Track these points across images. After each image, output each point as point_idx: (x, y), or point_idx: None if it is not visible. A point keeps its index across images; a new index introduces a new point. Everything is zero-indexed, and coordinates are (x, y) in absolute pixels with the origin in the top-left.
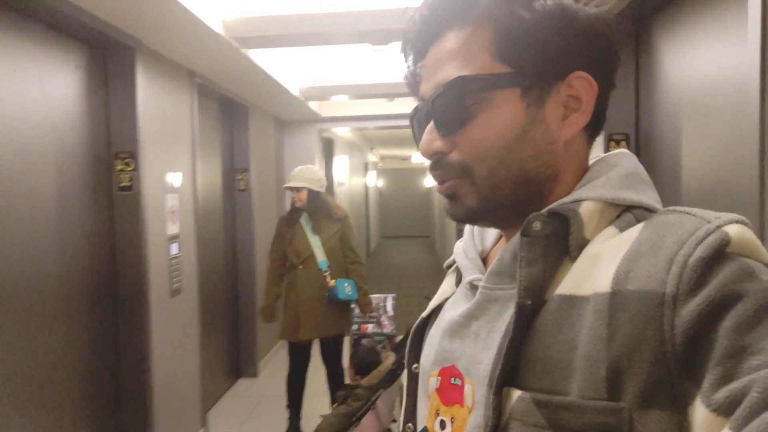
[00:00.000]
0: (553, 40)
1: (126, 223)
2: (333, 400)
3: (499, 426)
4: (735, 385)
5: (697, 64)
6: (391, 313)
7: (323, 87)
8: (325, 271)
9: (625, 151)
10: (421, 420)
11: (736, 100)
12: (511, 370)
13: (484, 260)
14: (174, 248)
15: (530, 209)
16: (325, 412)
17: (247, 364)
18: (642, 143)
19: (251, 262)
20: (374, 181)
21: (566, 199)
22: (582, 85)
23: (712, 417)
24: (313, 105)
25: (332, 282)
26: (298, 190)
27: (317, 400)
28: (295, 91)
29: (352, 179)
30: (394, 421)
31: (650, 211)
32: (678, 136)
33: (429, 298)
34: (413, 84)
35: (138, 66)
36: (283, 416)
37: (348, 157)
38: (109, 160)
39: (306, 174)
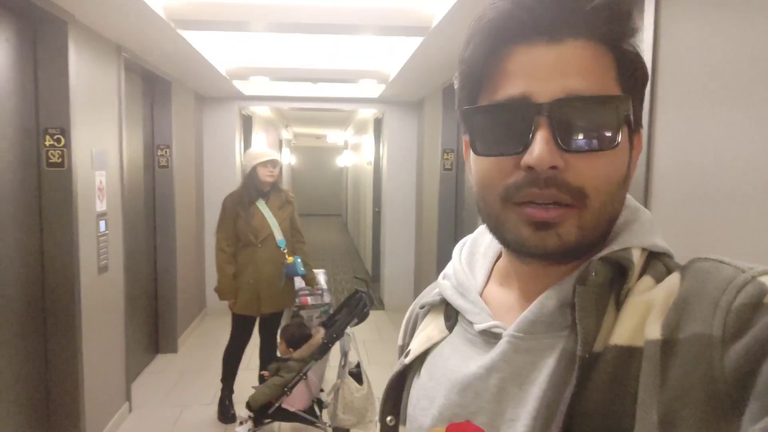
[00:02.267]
0: (639, 66)
1: (55, 200)
2: (262, 373)
3: None
4: None
5: None
6: (325, 286)
7: (250, 68)
8: (284, 249)
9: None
10: None
11: None
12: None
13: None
14: (102, 225)
15: (598, 247)
16: (255, 384)
17: (167, 340)
18: None
19: (171, 239)
20: (287, 158)
21: (615, 247)
22: (638, 140)
23: None
24: (237, 84)
25: (290, 259)
26: (273, 165)
27: (246, 375)
28: (223, 70)
29: None
30: (322, 390)
31: (668, 256)
32: None
33: (358, 278)
34: (469, 73)
35: (70, 40)
36: (204, 390)
37: (265, 134)
38: (38, 135)
39: (275, 151)
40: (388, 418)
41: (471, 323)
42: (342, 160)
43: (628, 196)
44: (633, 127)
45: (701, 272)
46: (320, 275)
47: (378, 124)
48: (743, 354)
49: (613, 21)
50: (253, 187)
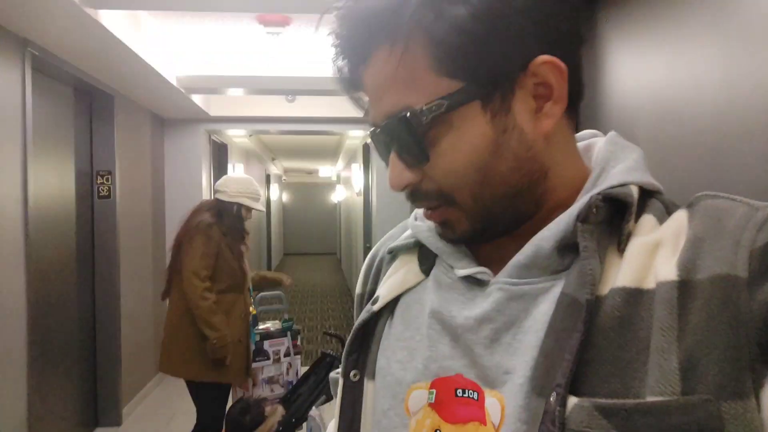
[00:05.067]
0: (499, 31)
1: None
2: None
3: None
4: None
5: None
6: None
7: (206, 77)
8: (251, 297)
9: (613, 132)
10: None
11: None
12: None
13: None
14: None
15: (527, 215)
16: None
17: (108, 409)
18: None
19: (112, 283)
20: (277, 194)
21: (613, 182)
22: (548, 69)
23: None
24: (198, 101)
25: (253, 310)
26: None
27: None
28: (171, 77)
29: None
30: None
31: (662, 194)
32: None
33: (330, 334)
34: (357, 104)
35: None
36: None
37: (244, 166)
38: None
39: (260, 190)
40: (352, 373)
41: (451, 267)
42: (335, 196)
43: (614, 135)
44: (494, 93)
45: (714, 209)
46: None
47: (367, 150)
48: None
49: (396, 12)
50: (239, 220)
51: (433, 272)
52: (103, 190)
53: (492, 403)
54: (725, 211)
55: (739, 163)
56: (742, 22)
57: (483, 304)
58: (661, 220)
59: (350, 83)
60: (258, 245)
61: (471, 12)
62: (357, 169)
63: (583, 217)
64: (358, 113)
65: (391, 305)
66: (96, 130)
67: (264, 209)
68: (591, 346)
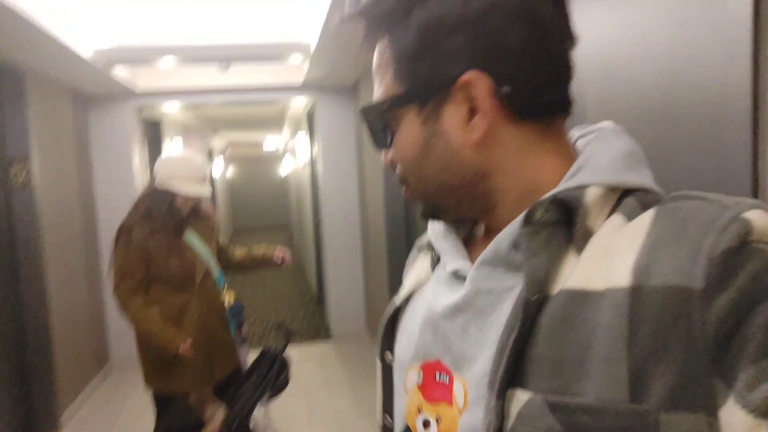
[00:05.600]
0: (432, 48)
1: None
2: None
3: (503, 430)
4: None
5: None
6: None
7: (127, 48)
8: (222, 288)
9: (616, 125)
10: (399, 414)
11: None
12: (515, 369)
13: (466, 243)
14: None
15: (478, 208)
16: None
17: (44, 415)
18: None
19: (40, 279)
20: (221, 169)
21: (570, 184)
22: (472, 85)
23: (749, 419)
24: (122, 75)
25: (229, 297)
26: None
27: None
28: (84, 51)
29: None
30: None
31: (648, 192)
32: None
33: (281, 327)
34: None
35: None
36: None
37: (182, 141)
38: None
39: (206, 166)
40: (387, 354)
41: (445, 263)
42: (282, 168)
43: (612, 128)
44: (427, 102)
45: (680, 211)
46: None
47: (311, 119)
48: (727, 310)
49: (379, 16)
50: (172, 211)
51: (436, 268)
52: (18, 180)
53: (458, 387)
54: (692, 213)
55: (688, 120)
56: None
57: (456, 295)
58: (631, 220)
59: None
60: None
61: (416, 27)
62: (303, 139)
63: (526, 220)
64: (297, 80)
65: (410, 298)
66: (5, 111)
67: (206, 192)
68: (535, 344)
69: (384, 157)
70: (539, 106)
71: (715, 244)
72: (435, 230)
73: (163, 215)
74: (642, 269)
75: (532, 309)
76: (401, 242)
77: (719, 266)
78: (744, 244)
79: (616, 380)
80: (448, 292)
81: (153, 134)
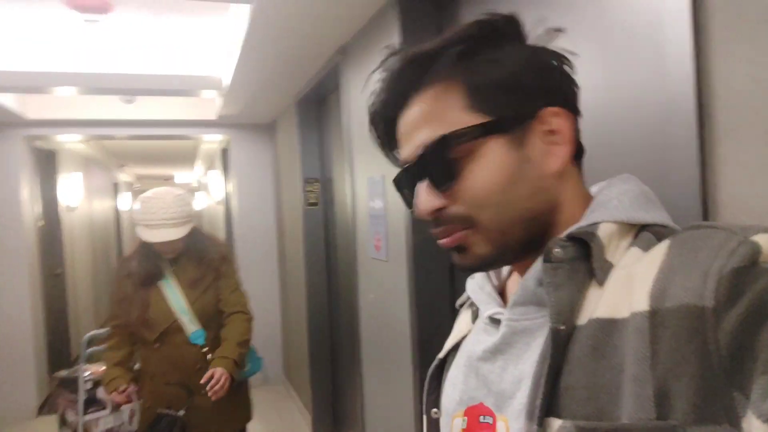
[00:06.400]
0: (521, 83)
1: None
2: None
3: None
4: None
5: None
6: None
7: (10, 73)
8: (203, 347)
9: (629, 175)
10: None
11: None
12: (551, 399)
13: (501, 293)
14: None
15: (539, 244)
16: None
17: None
18: None
19: None
20: (129, 204)
21: (583, 223)
22: (556, 118)
23: (765, 428)
24: (9, 102)
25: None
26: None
27: None
28: None
29: (93, 203)
30: None
31: (665, 227)
32: None
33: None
34: (389, 154)
35: None
36: None
37: (83, 175)
38: None
39: (181, 206)
40: (433, 410)
41: (482, 312)
42: (195, 204)
43: (624, 176)
44: (513, 130)
45: (691, 239)
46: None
47: (225, 155)
48: (738, 325)
49: (434, 58)
50: (150, 255)
51: (476, 319)
52: None
53: (500, 426)
54: (700, 241)
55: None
56: (620, 22)
57: (494, 338)
58: (648, 251)
59: (385, 123)
60: (107, 258)
61: (503, 66)
62: (216, 175)
63: (546, 258)
64: (211, 115)
65: (454, 351)
66: None
67: (169, 236)
68: (568, 373)
69: (433, 202)
70: (582, 148)
71: (724, 264)
72: (472, 285)
73: (138, 259)
74: (658, 293)
75: (562, 339)
76: (321, 286)
77: (728, 285)
78: (753, 264)
79: (644, 399)
80: (487, 337)
81: (47, 165)
